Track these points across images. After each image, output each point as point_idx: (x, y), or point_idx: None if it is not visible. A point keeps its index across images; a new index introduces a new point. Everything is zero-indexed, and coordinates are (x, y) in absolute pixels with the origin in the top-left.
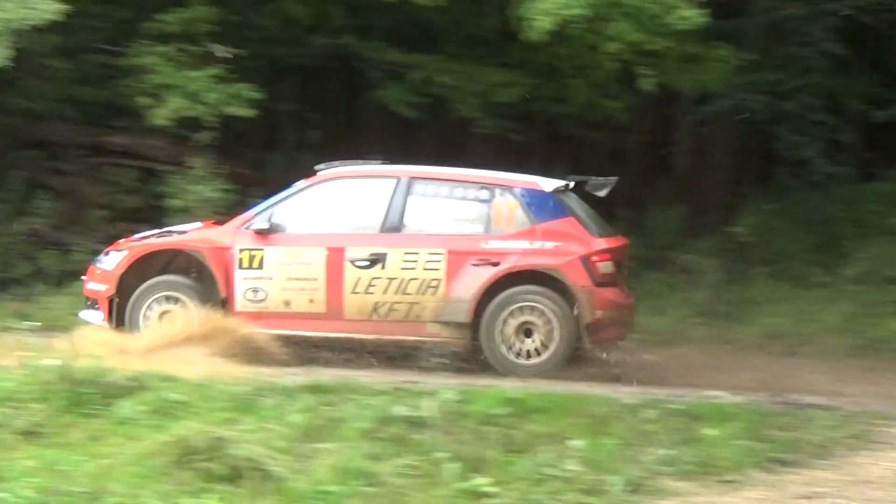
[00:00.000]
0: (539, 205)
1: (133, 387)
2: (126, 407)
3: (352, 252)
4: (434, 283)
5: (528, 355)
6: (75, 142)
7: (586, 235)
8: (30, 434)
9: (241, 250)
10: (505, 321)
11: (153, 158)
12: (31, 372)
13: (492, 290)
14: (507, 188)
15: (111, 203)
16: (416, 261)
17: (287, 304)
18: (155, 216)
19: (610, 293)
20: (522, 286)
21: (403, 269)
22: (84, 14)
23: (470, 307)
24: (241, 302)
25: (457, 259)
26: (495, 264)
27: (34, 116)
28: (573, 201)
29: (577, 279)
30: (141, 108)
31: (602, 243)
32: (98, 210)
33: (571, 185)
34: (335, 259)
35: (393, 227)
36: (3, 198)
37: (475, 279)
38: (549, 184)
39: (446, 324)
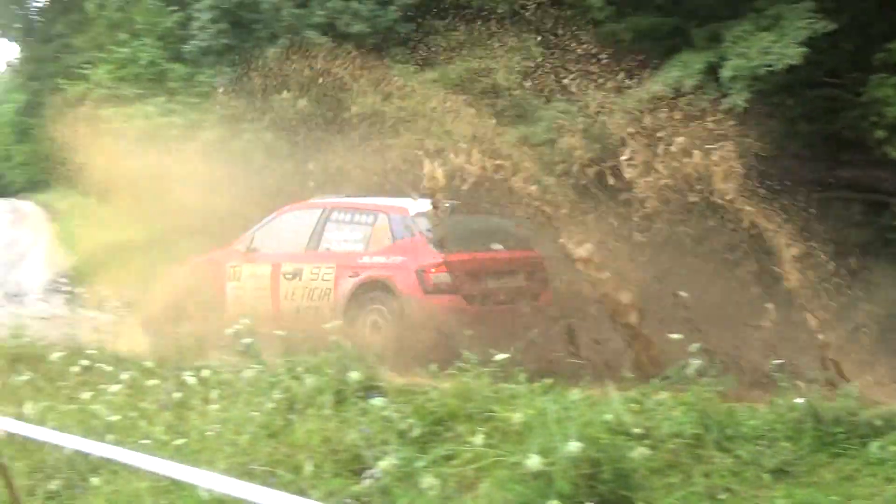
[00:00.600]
0: (401, 226)
1: (883, 426)
2: (878, 447)
3: (284, 267)
4: (328, 290)
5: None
6: (803, 177)
7: (429, 251)
8: (779, 472)
9: (230, 266)
10: (362, 317)
11: (883, 191)
12: (779, 410)
13: (355, 296)
14: (383, 212)
15: (840, 238)
16: (318, 274)
17: (254, 307)
18: (885, 249)
19: (443, 300)
20: (373, 293)
21: (312, 280)
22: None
23: (341, 309)
24: (230, 305)
25: (341, 272)
26: (357, 276)
27: (758, 155)
28: (440, 221)
29: (405, 288)
30: (877, 140)
31: (439, 258)
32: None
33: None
34: (275, 273)
35: (312, 247)
36: None
37: (345, 288)
38: (415, 207)
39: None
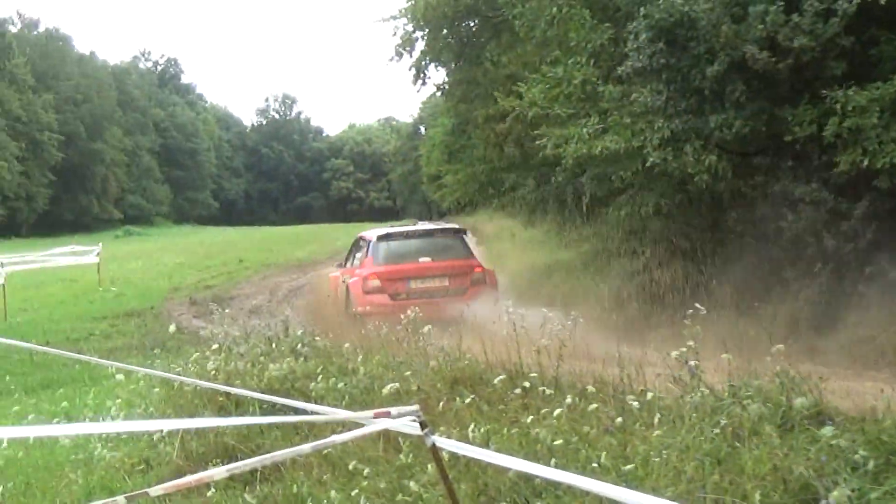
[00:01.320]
0: (369, 248)
1: None
2: None
3: (342, 278)
4: (347, 292)
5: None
6: None
7: (373, 265)
8: None
9: (338, 278)
10: (350, 309)
11: None
12: None
13: (348, 295)
14: (366, 240)
15: None
16: (346, 281)
17: (345, 302)
18: None
19: (373, 298)
20: (350, 293)
21: (344, 285)
22: None
23: (344, 300)
24: (341, 304)
25: (347, 278)
26: (345, 282)
27: None
28: (385, 244)
29: (355, 290)
30: None
31: (374, 269)
32: None
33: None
34: (343, 281)
35: (350, 265)
36: None
37: (345, 288)
38: (375, 234)
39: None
